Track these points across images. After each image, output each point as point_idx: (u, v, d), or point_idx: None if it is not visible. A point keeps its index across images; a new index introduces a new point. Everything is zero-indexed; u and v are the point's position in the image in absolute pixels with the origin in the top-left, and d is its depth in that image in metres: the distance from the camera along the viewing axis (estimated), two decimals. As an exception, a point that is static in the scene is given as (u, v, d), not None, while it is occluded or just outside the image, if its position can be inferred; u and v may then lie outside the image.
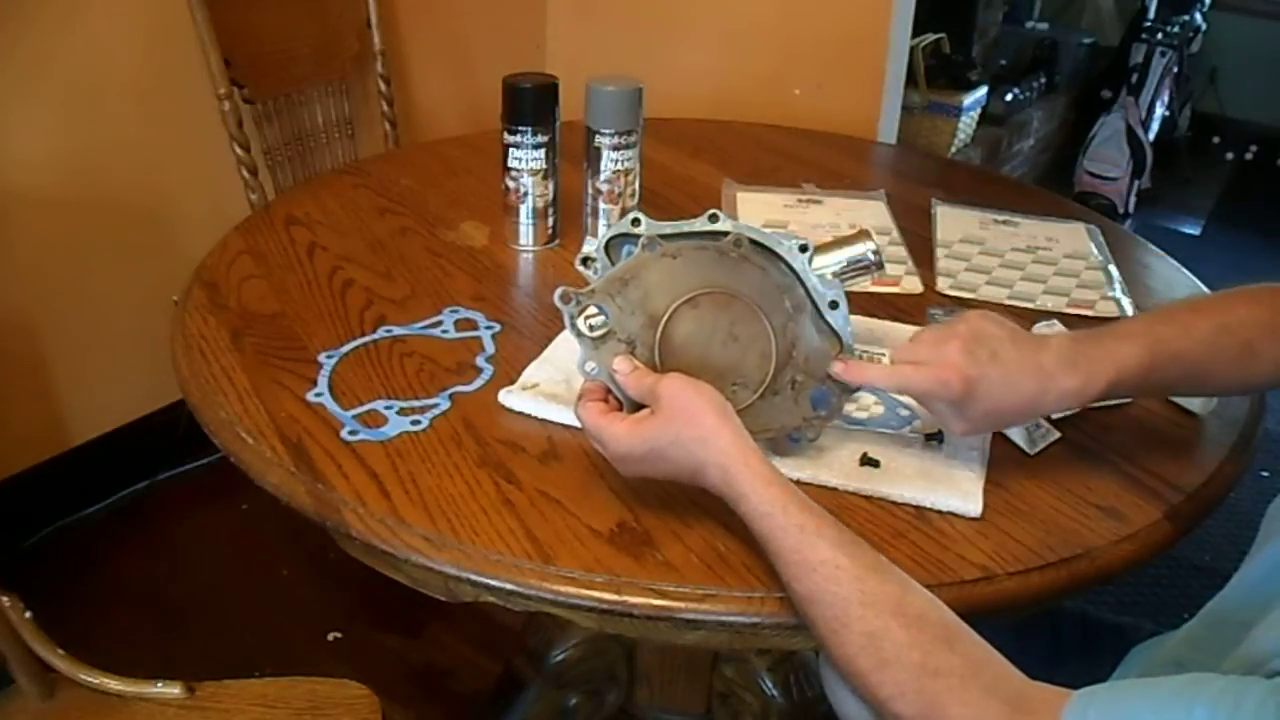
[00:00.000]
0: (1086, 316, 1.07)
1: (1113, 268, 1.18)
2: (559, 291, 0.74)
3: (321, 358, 0.93)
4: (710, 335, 0.75)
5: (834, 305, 0.83)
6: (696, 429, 0.68)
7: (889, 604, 0.61)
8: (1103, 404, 0.90)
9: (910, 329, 1.01)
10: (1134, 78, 3.57)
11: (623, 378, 0.73)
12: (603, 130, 1.13)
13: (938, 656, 0.59)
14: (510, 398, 0.87)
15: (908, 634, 0.59)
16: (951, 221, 1.28)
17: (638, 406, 0.73)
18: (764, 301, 0.76)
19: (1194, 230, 3.63)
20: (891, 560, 0.71)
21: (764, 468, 0.67)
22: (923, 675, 0.58)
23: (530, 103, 1.11)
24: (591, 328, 0.75)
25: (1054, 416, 0.88)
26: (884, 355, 0.95)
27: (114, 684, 0.98)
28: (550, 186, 1.15)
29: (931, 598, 0.62)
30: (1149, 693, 0.54)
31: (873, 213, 1.30)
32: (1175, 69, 3.67)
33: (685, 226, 0.87)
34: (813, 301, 0.83)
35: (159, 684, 0.98)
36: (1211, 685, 0.52)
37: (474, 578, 0.70)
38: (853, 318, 0.85)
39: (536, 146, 1.12)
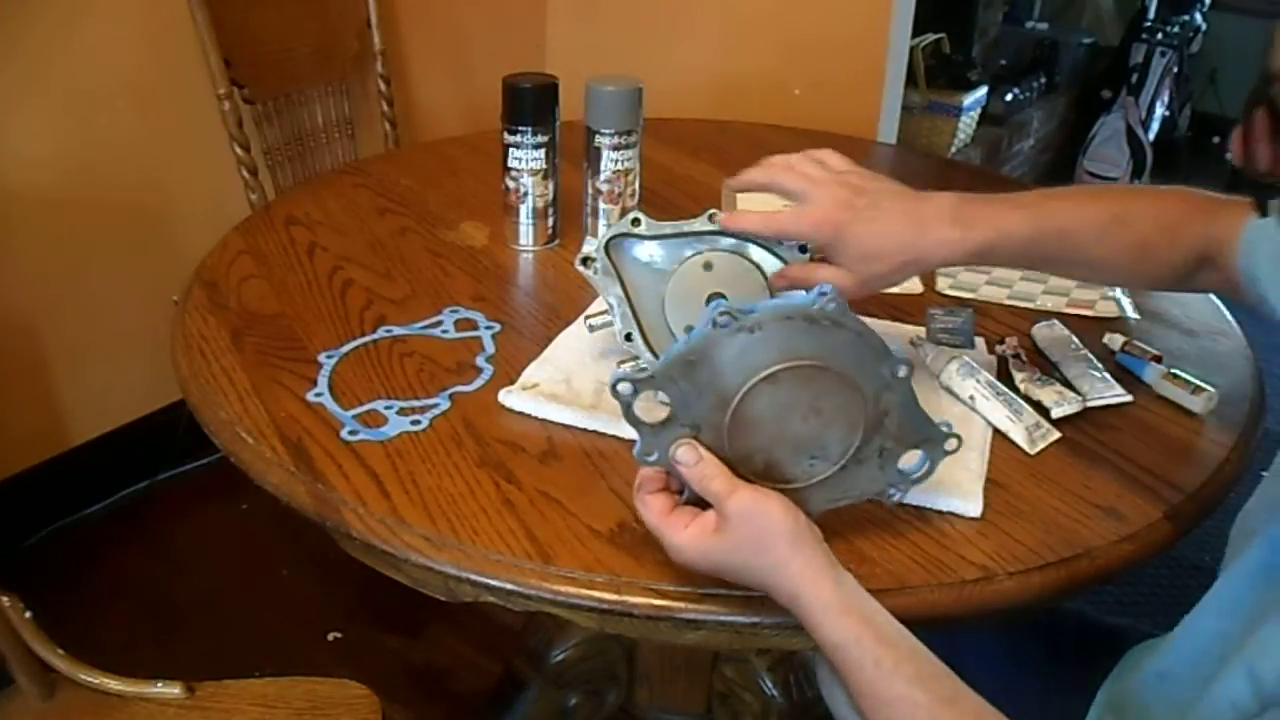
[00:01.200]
0: (1086, 316, 1.07)
1: (1113, 268, 1.18)
2: (617, 381, 0.64)
3: (321, 358, 0.93)
4: (789, 411, 0.66)
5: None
6: (766, 558, 0.63)
7: None
8: (1101, 402, 0.91)
9: (911, 329, 1.01)
10: (1134, 78, 3.57)
11: (687, 470, 0.65)
12: (603, 130, 1.13)
13: None
14: (510, 398, 0.87)
15: None
16: (951, 221, 1.28)
17: (700, 498, 0.66)
18: (858, 370, 0.66)
19: (1194, 230, 3.62)
20: (891, 560, 0.72)
21: (836, 596, 0.61)
22: None
23: (530, 103, 1.11)
24: (651, 415, 0.66)
25: (1054, 416, 0.88)
26: None
27: (114, 684, 0.98)
28: (550, 186, 1.15)
29: None
30: None
31: (873, 213, 1.29)
32: (1175, 69, 3.67)
33: (685, 226, 0.87)
34: None
35: (159, 684, 0.98)
36: None
37: (474, 578, 0.70)
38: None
39: (536, 146, 1.12)
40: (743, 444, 0.66)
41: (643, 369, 0.65)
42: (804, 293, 0.64)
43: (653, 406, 0.65)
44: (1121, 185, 0.87)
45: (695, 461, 0.64)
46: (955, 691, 0.59)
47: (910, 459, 0.71)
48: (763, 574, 0.63)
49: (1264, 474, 0.69)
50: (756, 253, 0.87)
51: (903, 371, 0.67)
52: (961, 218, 0.79)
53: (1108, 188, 0.88)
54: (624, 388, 0.64)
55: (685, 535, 0.64)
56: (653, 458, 0.66)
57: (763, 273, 0.86)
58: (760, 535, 0.63)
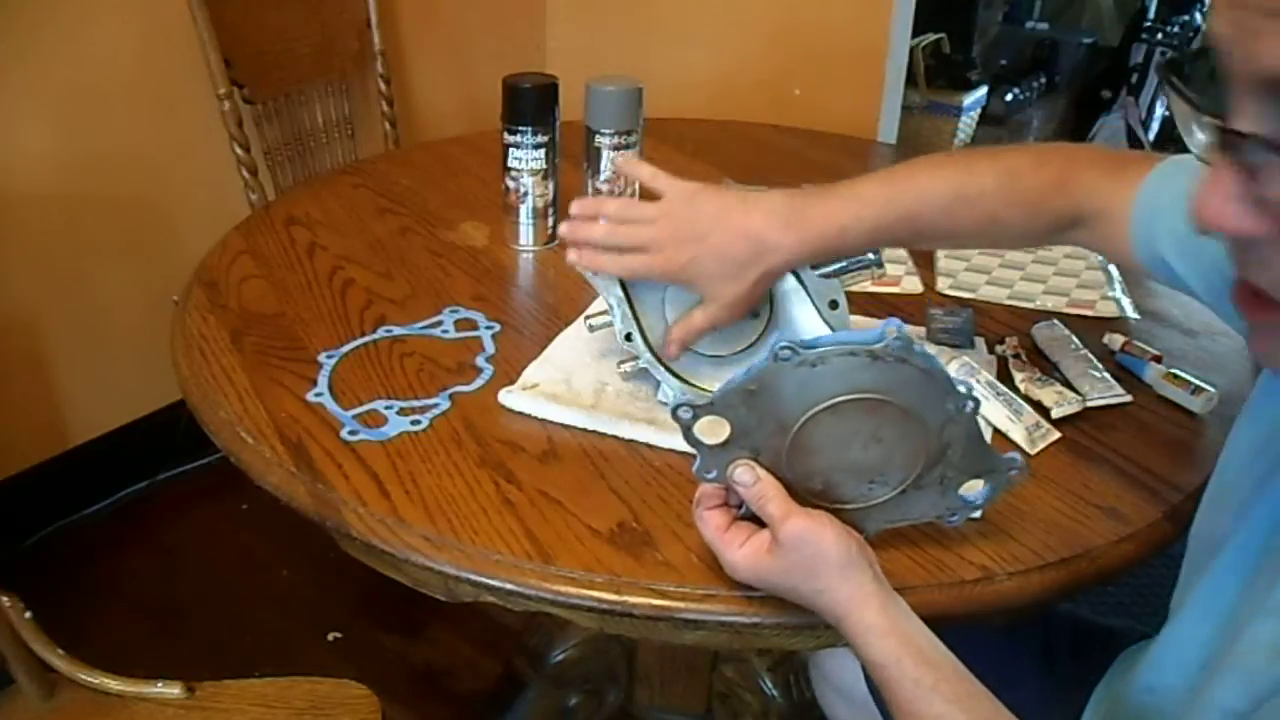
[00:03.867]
0: (1086, 316, 1.07)
1: (1112, 268, 1.18)
2: (678, 406, 0.65)
3: (321, 358, 0.93)
4: (850, 439, 0.66)
5: (834, 305, 0.84)
6: (815, 583, 0.64)
7: None
8: (1101, 402, 0.91)
9: (911, 330, 1.01)
10: (1134, 78, 3.56)
11: (744, 490, 0.66)
12: (603, 130, 1.13)
13: None
14: (510, 398, 0.87)
15: None
16: (951, 221, 1.28)
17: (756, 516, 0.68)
18: (922, 404, 0.66)
19: (1194, 230, 3.62)
20: (891, 560, 0.72)
21: (880, 620, 0.63)
22: None
23: (530, 103, 1.11)
24: (711, 435, 0.66)
25: (1054, 416, 0.88)
26: None
27: (114, 684, 0.98)
28: (550, 186, 1.15)
29: None
30: None
31: (873, 213, 1.30)
32: (1175, 69, 3.67)
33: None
34: (814, 303, 0.83)
35: (159, 684, 0.98)
36: None
37: (474, 578, 0.70)
38: (852, 317, 0.86)
39: (536, 146, 1.12)
40: (801, 467, 0.67)
41: (703, 396, 0.65)
42: (868, 330, 0.64)
43: (713, 425, 0.66)
44: (972, 151, 0.84)
45: (753, 482, 0.66)
46: (994, 713, 0.60)
47: (973, 488, 0.70)
48: (812, 597, 0.65)
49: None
50: None
51: (968, 407, 0.66)
52: (794, 221, 0.80)
53: (953, 156, 0.87)
54: (684, 413, 0.65)
55: (740, 554, 0.66)
56: (711, 475, 0.67)
57: None
58: (811, 562, 0.64)
